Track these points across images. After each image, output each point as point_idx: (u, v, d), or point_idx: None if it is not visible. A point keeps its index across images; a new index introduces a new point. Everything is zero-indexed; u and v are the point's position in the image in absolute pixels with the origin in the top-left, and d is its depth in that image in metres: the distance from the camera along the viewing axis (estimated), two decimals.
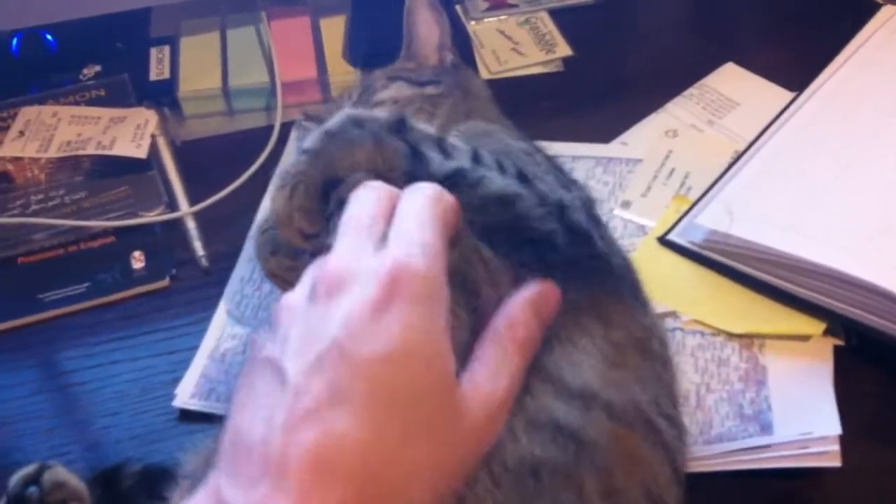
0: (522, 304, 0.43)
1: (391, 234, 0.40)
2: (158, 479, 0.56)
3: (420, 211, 0.41)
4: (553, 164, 0.62)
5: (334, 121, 0.53)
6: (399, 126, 0.52)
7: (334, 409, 0.34)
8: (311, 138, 0.53)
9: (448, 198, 0.43)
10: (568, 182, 0.59)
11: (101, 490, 0.57)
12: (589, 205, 0.57)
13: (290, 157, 0.54)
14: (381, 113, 0.54)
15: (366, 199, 0.43)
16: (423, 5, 0.75)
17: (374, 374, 0.35)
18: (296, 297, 0.40)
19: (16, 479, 0.56)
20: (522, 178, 0.53)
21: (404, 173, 0.51)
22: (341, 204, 0.50)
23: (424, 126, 0.54)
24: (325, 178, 0.52)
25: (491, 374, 0.40)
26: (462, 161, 0.52)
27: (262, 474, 0.34)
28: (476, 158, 0.52)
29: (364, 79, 0.76)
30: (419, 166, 0.51)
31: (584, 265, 0.51)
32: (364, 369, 0.35)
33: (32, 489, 0.55)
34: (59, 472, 0.56)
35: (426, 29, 0.75)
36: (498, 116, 0.72)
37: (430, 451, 0.36)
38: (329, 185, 0.53)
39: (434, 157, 0.51)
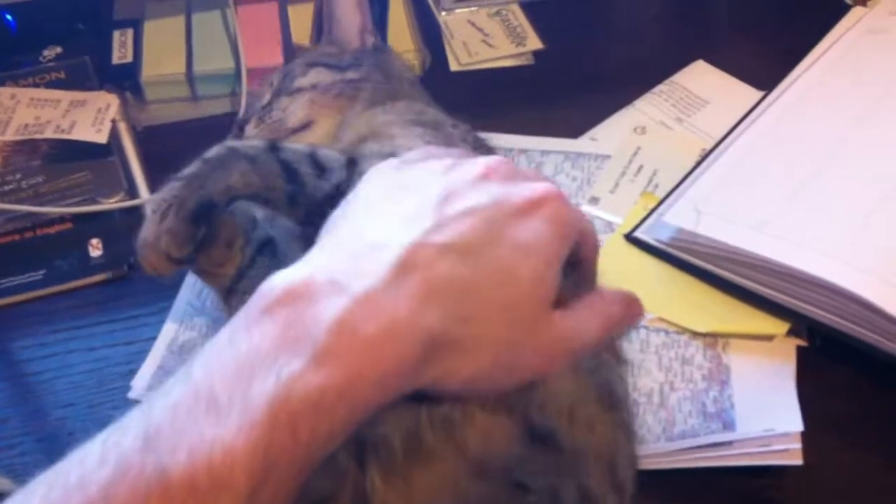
0: (624, 297, 0.46)
1: None
2: None
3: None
4: (475, 143, 0.64)
5: (212, 150, 0.54)
6: (272, 147, 0.54)
7: (460, 253, 0.39)
8: (188, 167, 0.54)
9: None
10: None
11: None
12: None
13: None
14: (257, 140, 0.55)
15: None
16: None
17: (502, 249, 0.40)
18: (461, 163, 0.44)
19: None
20: None
21: (285, 194, 0.52)
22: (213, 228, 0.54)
23: (297, 146, 0.56)
24: (198, 201, 0.53)
25: (582, 319, 0.43)
26: (337, 174, 0.53)
27: (381, 270, 0.37)
28: (351, 165, 0.53)
29: (284, 66, 0.75)
30: (297, 186, 0.52)
31: None
32: (498, 241, 0.40)
33: None
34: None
35: (348, 12, 0.74)
36: (423, 98, 0.72)
37: (510, 332, 0.40)
38: (202, 209, 0.53)
39: (308, 174, 0.53)
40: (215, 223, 0.56)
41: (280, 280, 0.38)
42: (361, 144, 0.60)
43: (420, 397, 0.39)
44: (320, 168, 0.53)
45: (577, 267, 0.46)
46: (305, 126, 0.67)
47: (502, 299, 0.39)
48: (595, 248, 0.47)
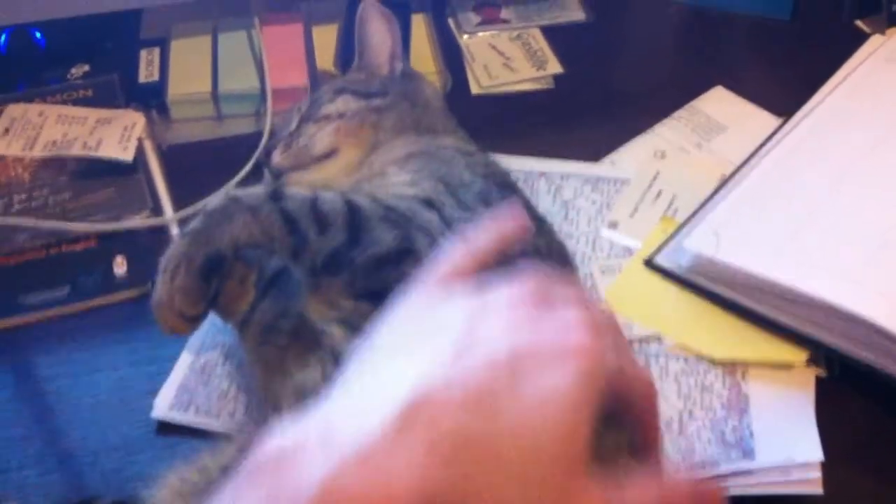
0: (699, 490, 0.40)
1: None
2: None
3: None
4: (496, 182, 0.63)
5: (215, 202, 0.55)
6: (275, 196, 0.54)
7: (472, 407, 0.35)
8: (194, 221, 0.55)
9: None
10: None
11: None
12: None
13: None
14: (259, 188, 0.56)
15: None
16: (375, 15, 0.75)
17: (522, 403, 0.35)
18: (492, 299, 0.40)
19: None
20: (407, 235, 0.54)
21: (287, 247, 0.53)
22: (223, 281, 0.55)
23: (298, 192, 0.56)
24: (206, 256, 0.54)
25: (630, 499, 0.37)
26: (337, 235, 0.53)
27: (381, 425, 0.34)
28: (353, 223, 0.54)
29: (312, 93, 0.76)
30: (299, 240, 0.53)
31: None
32: (517, 393, 0.35)
33: None
34: None
35: (378, 39, 0.75)
36: (448, 125, 0.73)
37: (528, 498, 0.35)
38: (211, 263, 0.54)
39: (310, 228, 0.53)
40: (230, 265, 0.57)
41: (272, 442, 0.36)
42: (359, 184, 0.61)
43: None
44: (321, 223, 0.54)
45: (629, 426, 0.41)
46: (330, 154, 0.68)
47: (519, 459, 0.34)
48: (651, 404, 0.41)
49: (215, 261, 0.54)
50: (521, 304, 0.38)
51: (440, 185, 0.59)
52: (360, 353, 0.40)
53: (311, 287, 0.55)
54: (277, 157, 0.70)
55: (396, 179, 0.61)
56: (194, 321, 0.57)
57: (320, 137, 0.69)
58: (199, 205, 0.74)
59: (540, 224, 0.62)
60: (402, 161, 0.64)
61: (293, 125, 0.71)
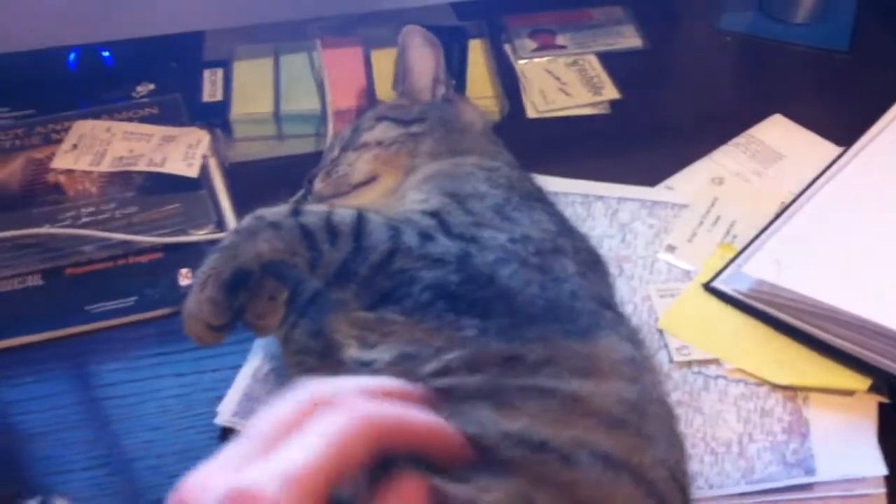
0: None
1: (273, 455, 0.36)
2: None
3: (320, 435, 0.35)
4: (520, 193, 0.63)
5: (243, 220, 0.57)
6: (295, 212, 0.57)
7: None
8: (224, 239, 0.58)
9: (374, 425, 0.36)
10: (515, 221, 0.59)
11: None
12: (545, 246, 0.57)
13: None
14: (285, 206, 0.58)
15: (286, 402, 0.38)
16: (418, 41, 0.76)
17: None
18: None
19: None
20: (424, 236, 0.55)
21: (306, 260, 0.55)
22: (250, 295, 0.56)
23: (317, 207, 0.58)
24: (233, 271, 0.56)
25: None
26: (345, 245, 0.54)
27: None
28: (358, 230, 0.55)
29: (354, 120, 0.77)
30: (315, 253, 0.55)
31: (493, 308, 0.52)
32: None
33: None
34: None
35: (421, 64, 0.76)
36: (488, 148, 0.73)
37: None
38: (238, 278, 0.56)
39: (323, 240, 0.55)
40: (257, 280, 0.58)
41: None
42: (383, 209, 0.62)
43: None
44: (333, 234, 0.55)
45: None
46: (369, 181, 0.69)
47: None
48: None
49: (242, 275, 0.56)
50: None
51: (447, 198, 0.60)
52: None
53: (337, 305, 0.56)
54: (318, 185, 0.71)
55: (410, 199, 0.62)
56: (219, 331, 0.58)
57: (359, 165, 0.69)
58: None
59: (566, 228, 0.62)
60: (419, 183, 0.64)
61: (335, 152, 0.72)
